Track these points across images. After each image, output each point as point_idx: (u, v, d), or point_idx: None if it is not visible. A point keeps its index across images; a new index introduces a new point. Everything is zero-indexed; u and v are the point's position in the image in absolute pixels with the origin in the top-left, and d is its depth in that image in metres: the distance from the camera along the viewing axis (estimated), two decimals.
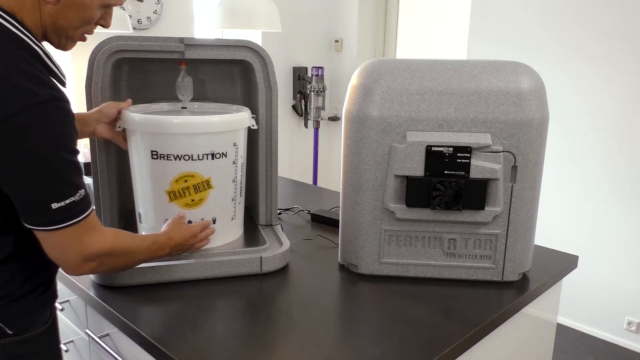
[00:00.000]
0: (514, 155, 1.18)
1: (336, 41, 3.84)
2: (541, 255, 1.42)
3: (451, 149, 1.17)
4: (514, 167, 1.19)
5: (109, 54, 1.29)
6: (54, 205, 0.83)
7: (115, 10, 2.34)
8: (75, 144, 0.86)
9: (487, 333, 1.09)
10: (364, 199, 1.23)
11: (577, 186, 2.77)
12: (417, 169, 1.18)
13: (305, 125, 3.83)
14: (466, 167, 1.18)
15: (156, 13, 2.85)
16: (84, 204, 0.87)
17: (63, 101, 0.83)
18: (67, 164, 0.84)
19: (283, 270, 1.31)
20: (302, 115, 3.79)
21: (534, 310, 1.30)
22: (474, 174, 1.18)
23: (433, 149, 1.17)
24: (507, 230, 1.23)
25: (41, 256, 0.95)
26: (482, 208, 1.20)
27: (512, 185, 1.20)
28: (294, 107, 3.77)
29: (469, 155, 1.17)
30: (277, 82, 1.41)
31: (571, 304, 2.81)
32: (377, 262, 1.26)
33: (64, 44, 0.97)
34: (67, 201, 0.84)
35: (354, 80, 1.23)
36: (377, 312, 1.12)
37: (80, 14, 0.92)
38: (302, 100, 3.74)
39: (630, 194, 2.60)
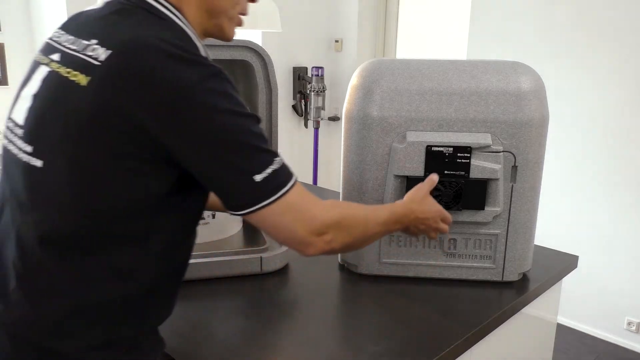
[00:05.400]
0: (514, 155, 1.18)
1: (336, 41, 3.84)
2: (541, 255, 1.42)
3: (451, 149, 1.16)
4: (514, 167, 1.19)
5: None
6: (257, 178, 0.74)
7: None
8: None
9: (487, 333, 1.09)
10: (364, 199, 1.23)
11: (577, 186, 2.77)
12: (417, 169, 1.18)
13: (305, 125, 3.83)
14: (466, 167, 1.17)
15: None
16: (286, 171, 0.78)
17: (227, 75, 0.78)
18: (255, 130, 0.77)
19: (283, 270, 1.31)
20: (302, 115, 3.79)
21: (534, 310, 1.30)
22: (474, 173, 1.18)
23: (433, 149, 1.17)
24: (507, 230, 1.22)
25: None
26: (482, 208, 1.20)
27: (512, 185, 1.20)
28: (294, 107, 3.77)
29: (469, 155, 1.17)
30: (277, 82, 1.41)
31: (571, 304, 2.81)
32: (377, 262, 1.26)
33: (228, 30, 0.90)
34: (268, 170, 0.75)
35: (354, 80, 1.23)
36: (377, 312, 1.12)
37: None
38: (302, 100, 3.74)
39: (630, 193, 2.60)
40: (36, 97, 0.77)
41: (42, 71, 0.79)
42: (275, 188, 0.76)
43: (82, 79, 0.72)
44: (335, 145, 3.99)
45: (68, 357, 0.75)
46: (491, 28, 2.96)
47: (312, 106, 3.63)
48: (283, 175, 0.77)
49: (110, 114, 0.70)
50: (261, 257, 1.27)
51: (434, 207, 1.06)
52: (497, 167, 1.17)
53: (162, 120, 0.71)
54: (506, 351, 1.23)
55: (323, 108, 3.66)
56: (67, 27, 0.83)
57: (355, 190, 1.24)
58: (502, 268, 1.24)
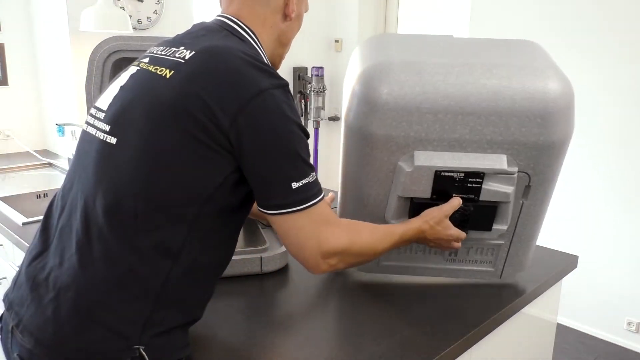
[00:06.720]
0: (529, 176, 1.06)
1: (336, 41, 3.84)
2: (541, 255, 1.42)
3: (462, 174, 1.04)
4: (528, 187, 1.08)
5: (108, 54, 1.29)
6: (294, 185, 0.83)
7: (115, 10, 2.34)
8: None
9: (487, 333, 1.09)
10: (364, 211, 1.14)
11: (578, 186, 2.77)
12: (423, 192, 1.06)
13: (305, 125, 3.84)
14: (476, 191, 1.06)
15: (156, 13, 2.85)
16: (317, 187, 0.87)
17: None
18: (303, 143, 0.86)
19: (283, 270, 1.31)
20: (302, 115, 3.79)
21: (533, 310, 1.30)
22: (484, 197, 1.06)
23: (442, 174, 1.04)
24: (512, 240, 1.17)
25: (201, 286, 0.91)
26: (490, 230, 1.11)
27: (523, 202, 1.11)
28: None
29: (480, 180, 1.05)
30: None
31: (571, 304, 2.81)
32: (376, 264, 1.25)
33: (282, 61, 1.05)
34: (304, 181, 0.84)
35: (355, 85, 1.04)
36: (377, 312, 1.12)
37: (299, 23, 1.03)
38: (302, 100, 3.74)
39: (630, 193, 2.60)
40: (123, 88, 0.88)
41: (132, 69, 0.91)
42: (305, 199, 0.85)
43: (167, 73, 0.83)
44: (335, 145, 3.99)
45: (105, 326, 0.79)
46: (491, 29, 2.96)
47: (312, 106, 3.63)
48: (313, 190, 0.86)
49: (186, 101, 0.79)
50: (261, 257, 1.27)
51: (447, 232, 1.07)
52: (509, 190, 1.05)
53: (231, 115, 0.79)
54: (506, 351, 1.23)
55: (323, 108, 3.66)
56: (159, 44, 0.95)
57: (354, 203, 1.17)
58: (501, 271, 1.23)
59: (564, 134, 1.01)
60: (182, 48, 0.87)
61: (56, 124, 2.66)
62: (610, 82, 2.58)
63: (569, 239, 2.81)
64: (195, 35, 0.91)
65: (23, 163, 2.63)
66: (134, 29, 2.76)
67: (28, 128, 2.93)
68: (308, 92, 3.64)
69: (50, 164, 2.67)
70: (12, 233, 1.67)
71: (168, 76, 0.83)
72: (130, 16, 2.73)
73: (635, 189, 2.58)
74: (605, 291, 2.74)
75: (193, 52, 0.84)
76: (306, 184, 0.85)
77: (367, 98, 1.01)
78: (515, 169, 1.04)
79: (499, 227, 1.12)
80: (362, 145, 1.05)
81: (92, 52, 1.31)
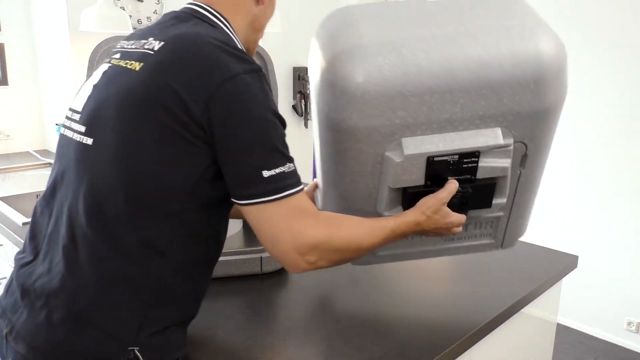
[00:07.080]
0: (525, 145, 1.00)
1: None
2: (541, 255, 1.42)
3: (456, 156, 0.96)
4: (525, 156, 1.02)
5: (108, 54, 1.29)
6: (265, 173, 0.78)
7: (115, 10, 2.34)
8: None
9: (487, 333, 1.09)
10: (353, 207, 1.04)
11: (578, 186, 2.77)
12: (416, 180, 0.98)
13: (305, 125, 3.84)
14: (473, 170, 0.99)
15: (156, 13, 2.85)
16: (294, 178, 0.82)
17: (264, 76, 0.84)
18: (279, 132, 0.82)
19: (283, 270, 1.31)
20: (302, 115, 3.79)
21: (533, 310, 1.30)
22: (481, 174, 1.00)
23: (435, 159, 0.96)
24: (510, 211, 1.11)
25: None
26: (489, 207, 1.06)
27: (520, 171, 1.05)
28: (294, 107, 3.77)
29: (476, 159, 0.98)
30: (277, 82, 1.41)
31: (571, 304, 2.81)
32: (373, 254, 1.16)
33: (257, 46, 1.04)
34: (278, 170, 0.79)
35: (327, 75, 0.92)
36: (378, 311, 1.12)
37: (272, 7, 1.01)
38: (302, 100, 3.74)
39: (630, 193, 2.60)
40: (96, 86, 0.86)
41: (104, 67, 0.89)
42: (278, 189, 0.80)
43: (136, 66, 0.81)
44: None
45: (98, 329, 0.79)
46: None
47: (312, 106, 3.63)
48: (288, 180, 0.81)
49: (158, 93, 0.77)
50: (261, 257, 1.27)
51: (446, 220, 0.98)
52: (507, 163, 0.98)
53: (202, 102, 0.77)
54: (506, 351, 1.23)
55: None
56: (129, 37, 0.95)
57: (339, 200, 1.07)
58: (501, 241, 1.18)
59: (558, 96, 0.96)
60: (151, 39, 0.85)
61: (56, 124, 2.66)
62: (612, 80, 2.58)
63: (569, 239, 2.81)
64: (165, 26, 0.89)
65: (23, 163, 2.64)
66: (134, 29, 2.76)
67: (28, 128, 2.93)
68: (308, 92, 3.65)
69: (50, 164, 2.67)
70: (12, 233, 1.67)
71: (137, 69, 0.81)
72: (130, 16, 2.73)
73: (635, 189, 2.58)
74: (605, 291, 2.74)
75: (162, 43, 0.82)
76: (280, 173, 0.79)
77: (343, 89, 0.89)
78: (511, 141, 0.97)
79: (499, 201, 1.05)
80: (342, 140, 0.95)
81: (92, 52, 1.31)
